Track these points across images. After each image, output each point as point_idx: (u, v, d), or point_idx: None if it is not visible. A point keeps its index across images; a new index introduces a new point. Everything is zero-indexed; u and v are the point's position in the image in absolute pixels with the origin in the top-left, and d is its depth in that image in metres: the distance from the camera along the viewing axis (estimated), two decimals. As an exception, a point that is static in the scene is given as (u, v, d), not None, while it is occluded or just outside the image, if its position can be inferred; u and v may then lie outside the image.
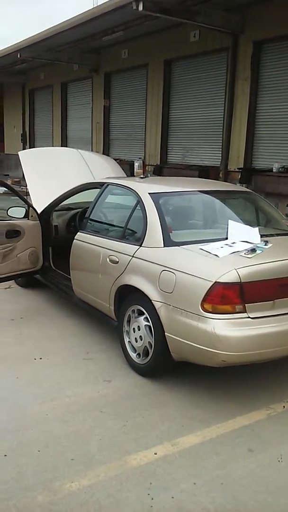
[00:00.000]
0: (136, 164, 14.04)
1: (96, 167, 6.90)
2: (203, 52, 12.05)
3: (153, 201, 4.52)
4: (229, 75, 11.17)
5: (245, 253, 3.89)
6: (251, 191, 5.75)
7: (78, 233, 5.31)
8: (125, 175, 7.44)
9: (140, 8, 9.66)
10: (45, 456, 3.20)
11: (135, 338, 4.33)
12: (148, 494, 2.88)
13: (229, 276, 3.61)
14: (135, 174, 13.37)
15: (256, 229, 4.40)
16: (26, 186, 6.40)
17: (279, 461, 3.22)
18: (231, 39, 10.94)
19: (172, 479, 3.02)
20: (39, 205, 5.94)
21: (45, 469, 3.08)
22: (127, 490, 2.92)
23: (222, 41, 11.22)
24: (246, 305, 3.64)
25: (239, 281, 3.61)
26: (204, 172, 11.57)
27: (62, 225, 6.29)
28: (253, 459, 3.23)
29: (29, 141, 21.92)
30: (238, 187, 6.57)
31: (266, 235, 4.37)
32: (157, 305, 3.98)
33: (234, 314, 3.62)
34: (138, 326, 4.28)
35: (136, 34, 13.28)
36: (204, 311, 3.63)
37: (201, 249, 4.00)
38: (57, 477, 3.01)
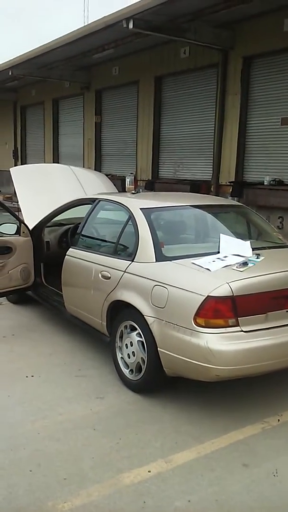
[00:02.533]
0: (127, 180, 14.09)
1: (87, 183, 6.91)
2: (193, 68, 12.17)
3: (145, 216, 4.52)
4: (219, 90, 11.26)
5: (237, 267, 3.89)
6: (242, 204, 5.77)
7: (70, 249, 5.29)
8: (117, 191, 7.45)
9: (131, 26, 9.77)
10: (37, 476, 3.15)
11: (128, 354, 4.30)
12: (142, 513, 2.84)
13: (222, 290, 3.60)
14: (126, 190, 13.42)
15: (248, 242, 4.41)
16: (18, 202, 6.40)
17: (274, 475, 3.19)
18: (221, 55, 11.05)
19: (166, 496, 2.97)
20: (31, 221, 5.92)
21: (37, 488, 3.03)
22: (121, 509, 2.87)
23: (212, 57, 11.34)
24: (239, 318, 3.63)
25: (232, 294, 3.60)
26: (196, 186, 11.60)
27: (53, 241, 6.27)
28: (248, 474, 3.19)
29: (20, 158, 21.96)
30: (229, 201, 6.60)
31: (258, 248, 4.37)
32: (149, 320, 3.96)
33: (227, 328, 3.61)
34: (131, 342, 4.25)
35: (126, 51, 13.41)
36: (197, 325, 3.61)
37: (193, 263, 3.99)
38: (49, 497, 2.95)
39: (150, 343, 3.99)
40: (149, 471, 3.20)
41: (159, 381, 4.14)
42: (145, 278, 4.12)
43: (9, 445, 3.45)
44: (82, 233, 5.26)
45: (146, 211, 4.60)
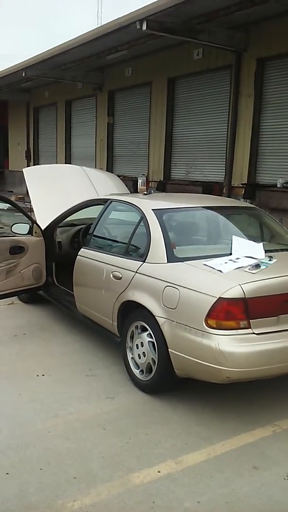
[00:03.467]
0: (139, 181, 14.09)
1: (99, 183, 6.92)
2: (206, 69, 12.17)
3: (157, 217, 4.52)
4: (232, 92, 11.26)
5: (249, 269, 3.88)
6: (255, 206, 5.75)
7: (82, 249, 5.31)
8: (129, 192, 7.46)
9: (144, 27, 9.79)
10: (48, 474, 3.16)
11: (138, 355, 4.30)
12: (152, 513, 2.84)
13: (234, 291, 3.59)
14: (138, 191, 13.43)
15: (261, 244, 4.39)
16: (30, 202, 6.43)
17: (284, 479, 3.17)
18: (234, 57, 11.04)
19: (175, 497, 2.97)
20: (43, 222, 5.95)
21: (47, 487, 3.04)
22: (130, 509, 2.87)
23: (226, 59, 11.33)
24: (250, 321, 3.62)
25: (244, 296, 3.59)
26: (208, 188, 11.59)
27: (65, 241, 6.30)
28: (258, 477, 3.18)
29: (33, 158, 22.06)
30: (242, 203, 6.57)
31: (271, 251, 4.36)
32: (160, 321, 3.96)
33: (239, 330, 3.59)
34: (141, 342, 4.25)
35: (140, 53, 13.44)
36: (208, 327, 3.60)
37: (205, 264, 3.99)
38: (59, 496, 2.96)
39: (160, 344, 3.99)
40: (159, 472, 3.20)
41: (170, 382, 4.13)
42: (157, 278, 4.12)
43: (20, 443, 3.47)
44: (94, 233, 5.27)
45: (158, 212, 4.60)
